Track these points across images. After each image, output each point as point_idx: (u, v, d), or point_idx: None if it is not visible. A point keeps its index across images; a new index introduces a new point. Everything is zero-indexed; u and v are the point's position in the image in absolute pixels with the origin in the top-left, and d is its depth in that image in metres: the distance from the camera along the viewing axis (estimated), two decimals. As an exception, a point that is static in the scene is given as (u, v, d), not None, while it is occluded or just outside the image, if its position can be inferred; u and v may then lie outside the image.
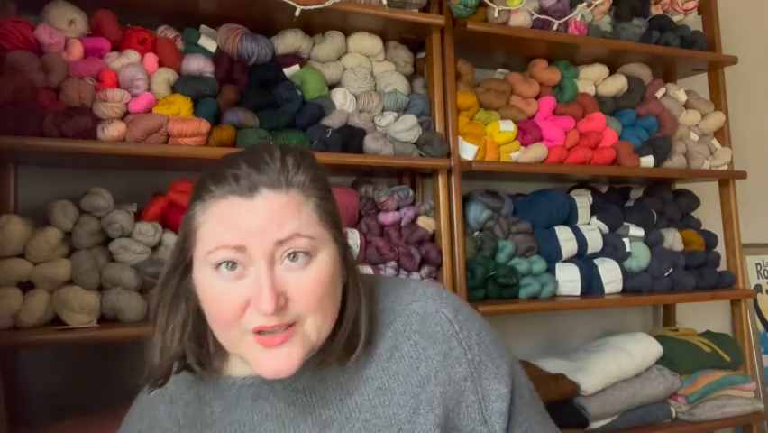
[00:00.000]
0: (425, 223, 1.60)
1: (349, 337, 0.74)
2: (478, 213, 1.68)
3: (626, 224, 1.88)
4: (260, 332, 0.68)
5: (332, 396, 0.75)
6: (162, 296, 0.74)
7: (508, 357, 0.82)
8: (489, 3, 1.61)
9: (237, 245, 0.67)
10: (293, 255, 0.68)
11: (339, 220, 0.75)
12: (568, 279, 1.71)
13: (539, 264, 1.70)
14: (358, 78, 1.54)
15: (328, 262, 0.71)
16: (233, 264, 0.68)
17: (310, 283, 0.69)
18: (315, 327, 0.70)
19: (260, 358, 0.69)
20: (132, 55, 1.34)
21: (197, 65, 1.39)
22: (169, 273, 0.74)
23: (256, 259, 0.67)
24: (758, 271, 2.37)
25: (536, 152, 1.70)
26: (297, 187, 0.69)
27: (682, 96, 2.04)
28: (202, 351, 0.75)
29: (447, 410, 0.76)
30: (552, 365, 1.71)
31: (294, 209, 0.68)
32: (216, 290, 0.68)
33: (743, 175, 2.03)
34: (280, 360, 0.68)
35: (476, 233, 1.70)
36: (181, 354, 0.74)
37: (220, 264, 0.68)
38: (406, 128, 1.54)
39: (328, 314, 0.71)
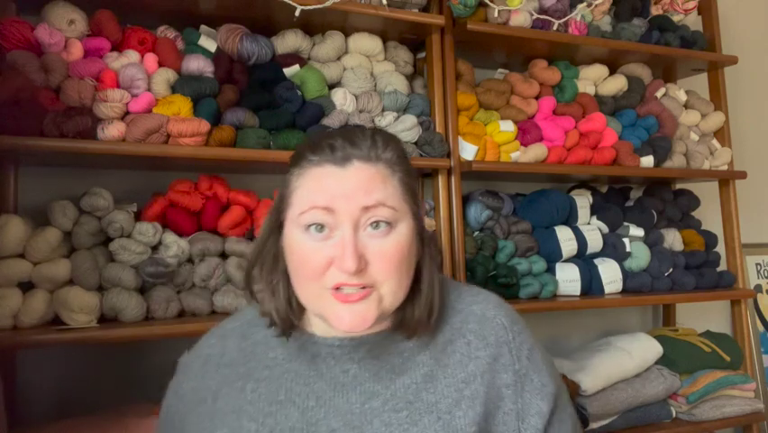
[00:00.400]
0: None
1: (427, 309, 0.81)
2: (478, 213, 1.68)
3: (626, 224, 1.88)
4: (338, 288, 0.74)
5: (383, 374, 0.81)
6: (263, 257, 0.82)
7: (557, 382, 0.87)
8: (489, 3, 1.61)
9: (327, 206, 0.74)
10: (376, 224, 0.75)
11: (418, 199, 0.82)
12: (568, 279, 1.71)
13: (539, 264, 1.70)
14: (358, 78, 1.54)
15: (407, 234, 0.77)
16: (321, 227, 0.74)
17: (389, 250, 0.75)
18: (390, 292, 0.76)
19: (337, 313, 0.75)
20: (132, 55, 1.34)
21: (197, 65, 1.39)
22: (266, 236, 0.82)
23: (342, 222, 0.74)
24: (758, 271, 2.37)
25: (536, 151, 1.70)
26: (385, 162, 0.77)
27: (682, 96, 2.04)
28: (290, 309, 0.81)
29: (487, 412, 0.80)
30: (552, 365, 1.71)
31: (380, 181, 0.76)
32: (304, 249, 0.75)
33: (743, 175, 2.03)
34: (357, 316, 0.74)
35: (476, 233, 1.70)
36: (279, 309, 0.81)
37: (310, 226, 0.75)
38: (406, 128, 1.54)
39: (403, 282, 0.78)
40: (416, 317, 0.80)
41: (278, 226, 0.81)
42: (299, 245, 0.76)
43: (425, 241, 0.82)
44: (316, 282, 0.75)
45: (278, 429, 0.78)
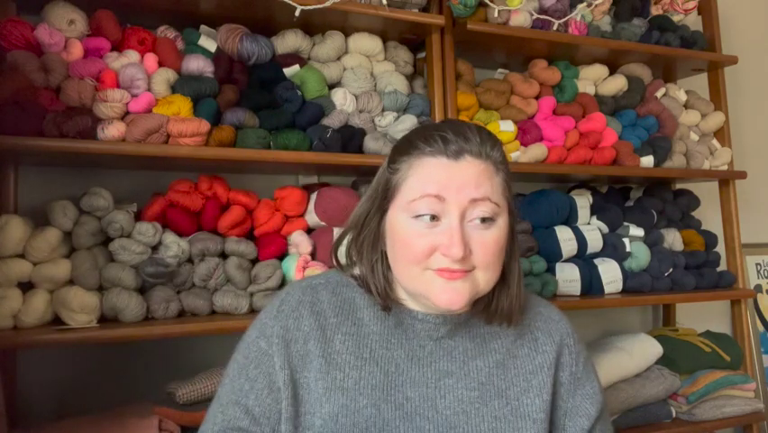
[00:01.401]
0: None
1: (518, 300, 0.88)
2: (478, 213, 1.68)
3: (626, 224, 1.88)
4: (442, 270, 0.79)
5: (457, 355, 0.87)
6: (363, 237, 0.88)
7: (604, 397, 0.95)
8: (489, 3, 1.61)
9: (438, 195, 0.79)
10: (480, 218, 0.80)
11: (513, 197, 0.87)
12: (568, 279, 1.71)
13: (539, 264, 1.70)
14: (358, 78, 1.54)
15: (504, 228, 0.83)
16: (431, 217, 0.80)
17: (489, 242, 0.81)
18: (485, 280, 0.82)
19: (437, 288, 0.80)
20: (132, 55, 1.34)
21: (197, 65, 1.39)
22: (368, 218, 0.87)
23: (451, 211, 0.79)
24: (758, 271, 2.37)
25: (536, 151, 1.70)
26: (492, 161, 0.83)
27: (682, 96, 2.04)
28: (387, 285, 0.87)
29: (551, 400, 0.88)
30: (552, 365, 1.70)
31: (488, 177, 0.81)
32: (410, 234, 0.81)
33: (743, 175, 2.03)
34: (455, 293, 0.80)
35: (476, 233, 1.70)
36: (378, 286, 0.87)
37: (421, 216, 0.80)
38: (406, 128, 1.54)
39: (496, 272, 0.84)
40: (506, 307, 0.87)
41: (380, 210, 0.86)
42: (405, 231, 0.81)
43: (515, 237, 0.89)
44: (418, 266, 0.80)
45: (361, 384, 0.83)
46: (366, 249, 0.88)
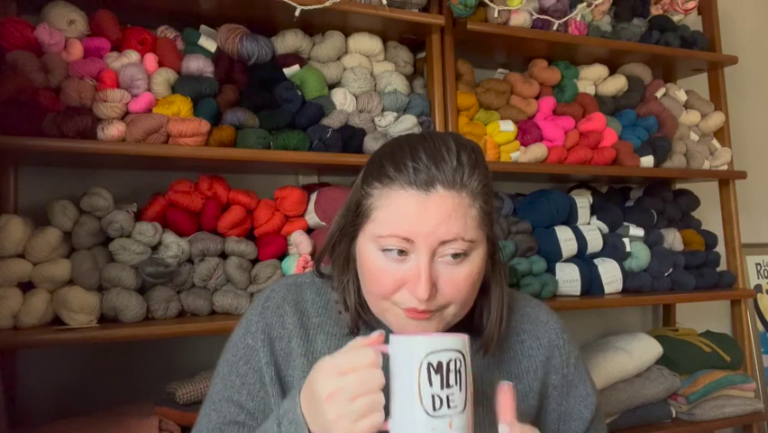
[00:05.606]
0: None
1: (498, 327, 0.84)
2: (478, 213, 1.68)
3: (626, 224, 1.88)
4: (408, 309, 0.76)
5: None
6: (334, 258, 0.86)
7: (597, 395, 0.92)
8: (489, 3, 1.61)
9: (407, 237, 0.74)
10: (452, 254, 0.75)
11: (493, 219, 0.82)
12: (568, 279, 1.71)
13: (539, 264, 1.70)
14: (358, 78, 1.54)
15: (479, 261, 0.78)
16: (399, 252, 0.75)
17: (459, 280, 0.76)
18: (453, 314, 0.78)
19: (401, 324, 0.78)
20: (132, 55, 1.34)
21: (197, 65, 1.39)
22: (338, 238, 0.85)
23: (420, 251, 0.74)
24: (758, 271, 2.37)
25: (536, 151, 1.70)
26: (469, 190, 0.75)
27: (682, 96, 2.04)
28: (360, 306, 0.84)
29: (538, 406, 0.86)
30: (552, 365, 1.71)
31: (462, 213, 0.75)
32: (378, 267, 0.77)
33: (743, 175, 2.03)
34: (420, 329, 0.77)
35: (476, 233, 1.70)
36: (349, 307, 0.85)
37: (388, 250, 0.76)
38: (407, 128, 1.54)
39: (467, 304, 0.80)
40: (485, 334, 0.83)
41: (351, 233, 0.82)
42: (373, 263, 0.77)
43: (495, 261, 0.84)
44: (386, 300, 0.77)
45: None
46: (337, 269, 0.86)
